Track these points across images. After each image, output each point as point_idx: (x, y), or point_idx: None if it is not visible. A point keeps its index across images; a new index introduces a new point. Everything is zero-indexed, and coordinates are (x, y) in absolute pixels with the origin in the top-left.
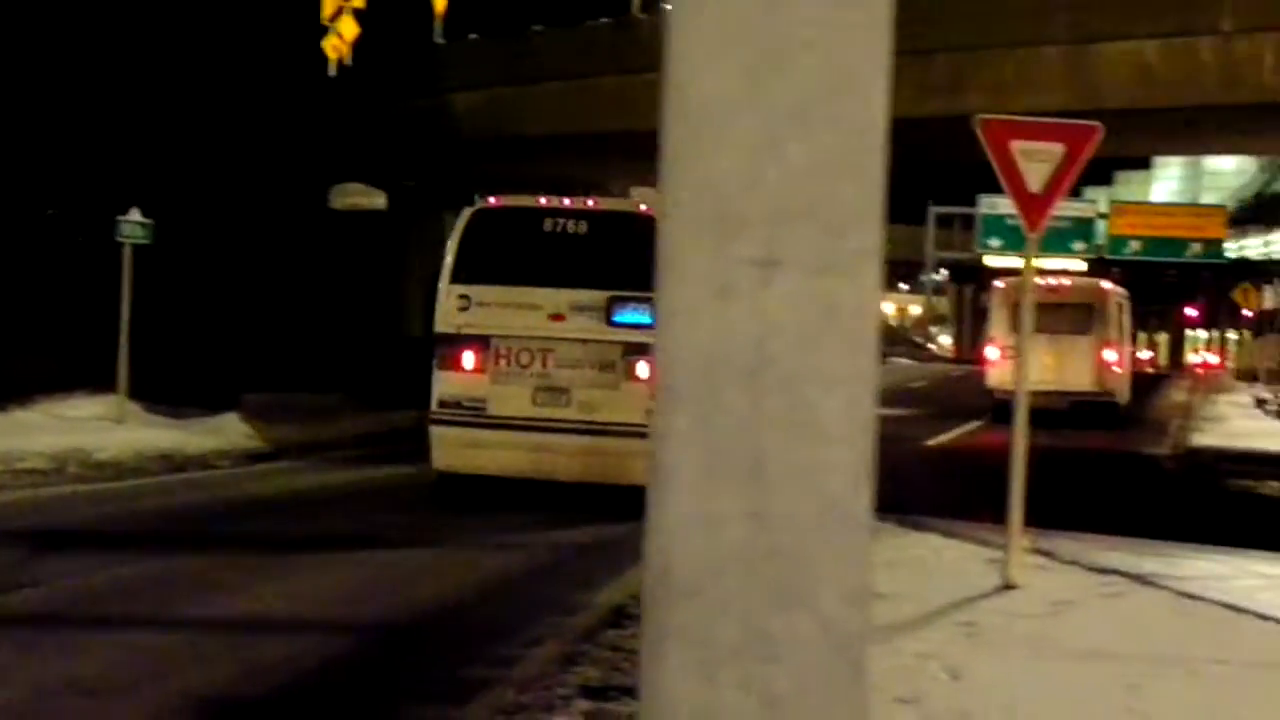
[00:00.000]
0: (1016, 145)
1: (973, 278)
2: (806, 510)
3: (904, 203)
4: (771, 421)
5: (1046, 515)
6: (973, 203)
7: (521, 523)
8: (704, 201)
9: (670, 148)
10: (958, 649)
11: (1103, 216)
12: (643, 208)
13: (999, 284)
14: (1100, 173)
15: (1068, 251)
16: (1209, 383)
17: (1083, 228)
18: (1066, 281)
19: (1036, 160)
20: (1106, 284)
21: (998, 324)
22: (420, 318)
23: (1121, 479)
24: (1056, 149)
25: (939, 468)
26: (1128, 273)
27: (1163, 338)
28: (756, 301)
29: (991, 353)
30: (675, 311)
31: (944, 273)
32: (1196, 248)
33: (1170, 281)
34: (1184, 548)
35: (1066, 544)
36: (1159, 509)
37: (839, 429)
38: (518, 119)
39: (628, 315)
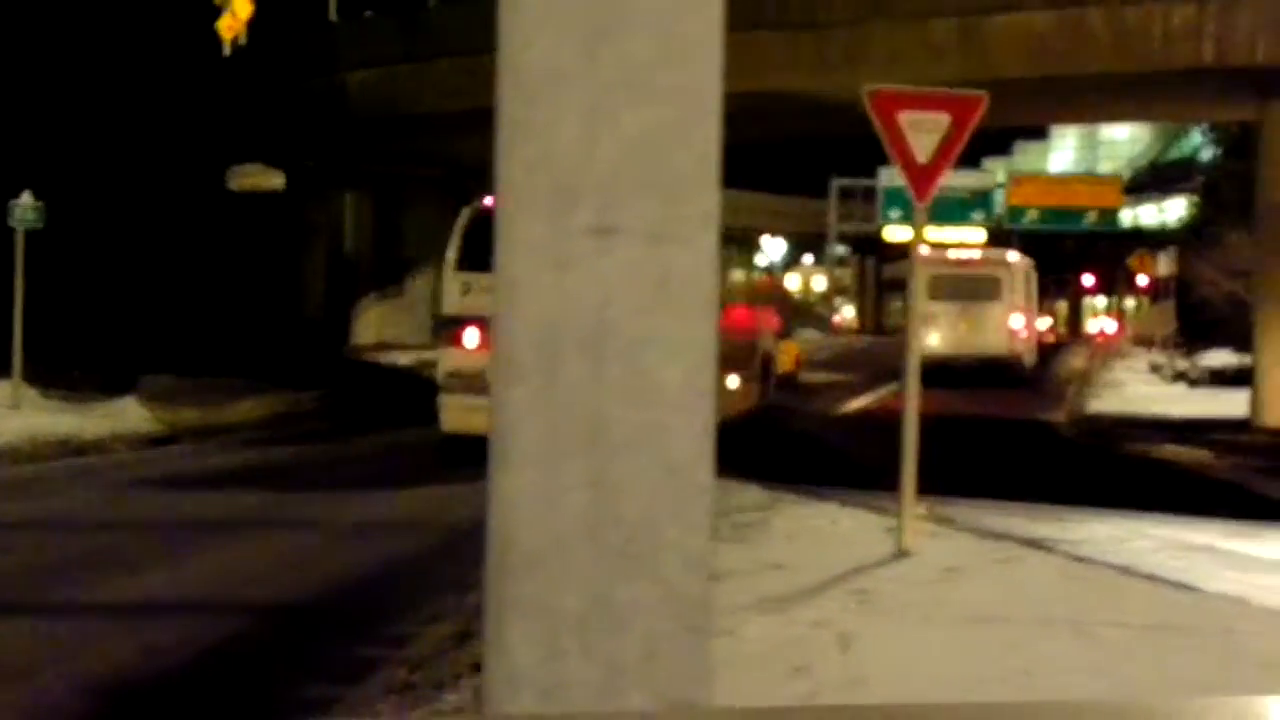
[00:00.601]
0: (904, 116)
1: (874, 250)
2: (648, 477)
3: (806, 176)
4: (612, 390)
5: (945, 482)
6: (874, 175)
7: (450, 497)
8: (540, 172)
9: (505, 120)
10: (850, 617)
11: (1001, 187)
12: None
13: (921, 255)
14: (999, 143)
15: (966, 221)
16: (1107, 350)
17: (981, 198)
18: (977, 254)
19: (924, 131)
20: (1014, 255)
21: (919, 291)
22: (320, 298)
23: (1020, 445)
24: (943, 119)
25: (846, 435)
26: (1027, 242)
27: (1062, 306)
28: (595, 270)
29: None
30: (514, 282)
31: (842, 248)
32: (1093, 217)
33: (1068, 251)
34: (1078, 512)
35: (963, 510)
36: (1055, 474)
37: (679, 396)
38: (415, 96)
39: None
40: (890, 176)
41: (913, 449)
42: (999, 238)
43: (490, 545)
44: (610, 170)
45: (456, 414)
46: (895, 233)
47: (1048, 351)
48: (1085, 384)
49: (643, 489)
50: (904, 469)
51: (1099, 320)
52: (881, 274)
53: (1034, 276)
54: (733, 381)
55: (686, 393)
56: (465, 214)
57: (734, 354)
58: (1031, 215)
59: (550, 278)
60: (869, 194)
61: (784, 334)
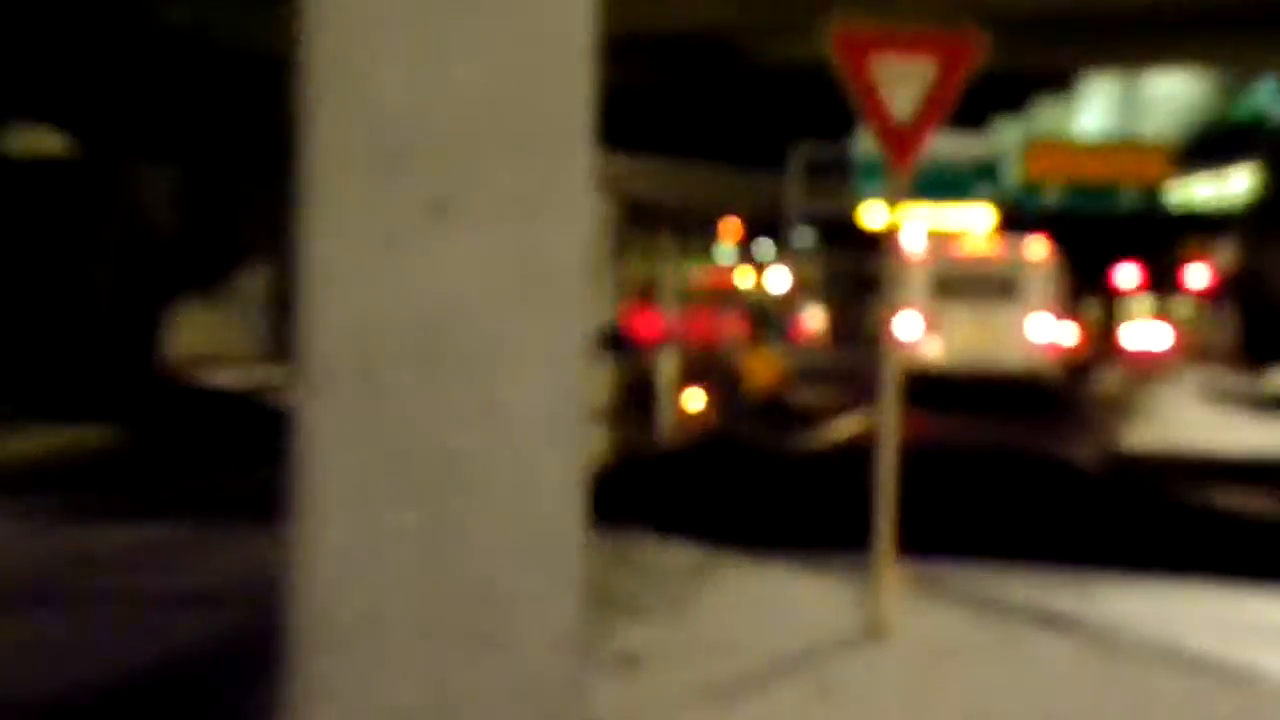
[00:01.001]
0: (876, 62)
1: (849, 237)
2: (500, 527)
3: (760, 145)
4: (452, 411)
5: (936, 536)
6: (848, 142)
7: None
8: (357, 127)
9: (315, 61)
10: (810, 714)
11: (1012, 155)
12: None
13: (918, 246)
14: (1011, 97)
15: (966, 197)
16: (1152, 366)
17: (986, 170)
18: (991, 244)
19: (902, 82)
20: (1038, 246)
21: (917, 290)
22: (114, 297)
23: (1036, 488)
24: (928, 66)
25: (825, 472)
26: (1047, 227)
27: (1093, 310)
28: (429, 255)
29: (909, 324)
30: (322, 268)
31: (808, 234)
32: (1133, 194)
33: (1100, 238)
34: (1108, 578)
35: (958, 575)
36: (1080, 528)
37: (542, 420)
38: (240, 32)
39: None
40: (866, 144)
41: (891, 494)
42: (1011, 220)
43: (292, 615)
44: (447, 127)
45: None
46: (874, 214)
47: (1076, 368)
48: (1122, 410)
49: (492, 542)
50: (879, 520)
51: (1141, 328)
52: (862, 268)
53: (1062, 272)
54: (693, 401)
55: (551, 416)
56: None
57: (694, 367)
58: (1053, 192)
59: (370, 263)
60: (841, 166)
61: (758, 342)
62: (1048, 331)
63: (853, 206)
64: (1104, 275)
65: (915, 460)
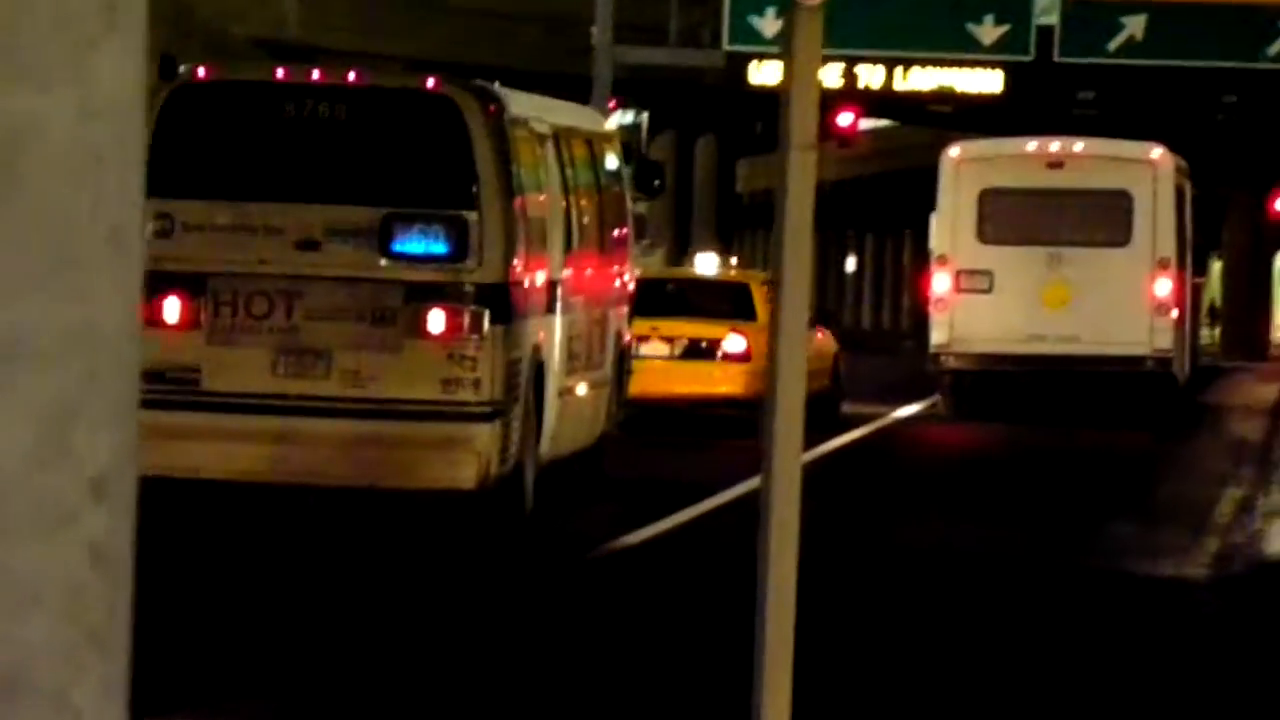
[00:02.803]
0: None
1: (721, 118)
2: None
3: None
4: None
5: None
6: None
7: None
8: None
9: None
10: None
11: None
12: (429, 82)
13: (953, 151)
14: None
15: (961, 45)
16: None
17: None
18: (1079, 145)
19: None
20: (1156, 149)
21: (951, 228)
22: None
23: (1103, 611)
24: None
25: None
26: (1107, 107)
27: (1213, 271)
28: None
29: (940, 283)
30: None
31: (632, 114)
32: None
33: (1220, 126)
34: None
35: None
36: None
37: (35, 501)
38: None
39: (412, 243)
40: None
41: (783, 640)
42: (1040, 85)
43: None
44: None
45: (150, 445)
46: (766, 72)
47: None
48: (1267, 473)
49: None
50: (757, 691)
51: None
52: (752, 188)
53: (1188, 193)
54: (580, 388)
55: (56, 458)
56: (160, 96)
57: (580, 338)
58: (1125, 31)
59: None
60: None
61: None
62: (1172, 292)
63: (719, 52)
64: (1237, 204)
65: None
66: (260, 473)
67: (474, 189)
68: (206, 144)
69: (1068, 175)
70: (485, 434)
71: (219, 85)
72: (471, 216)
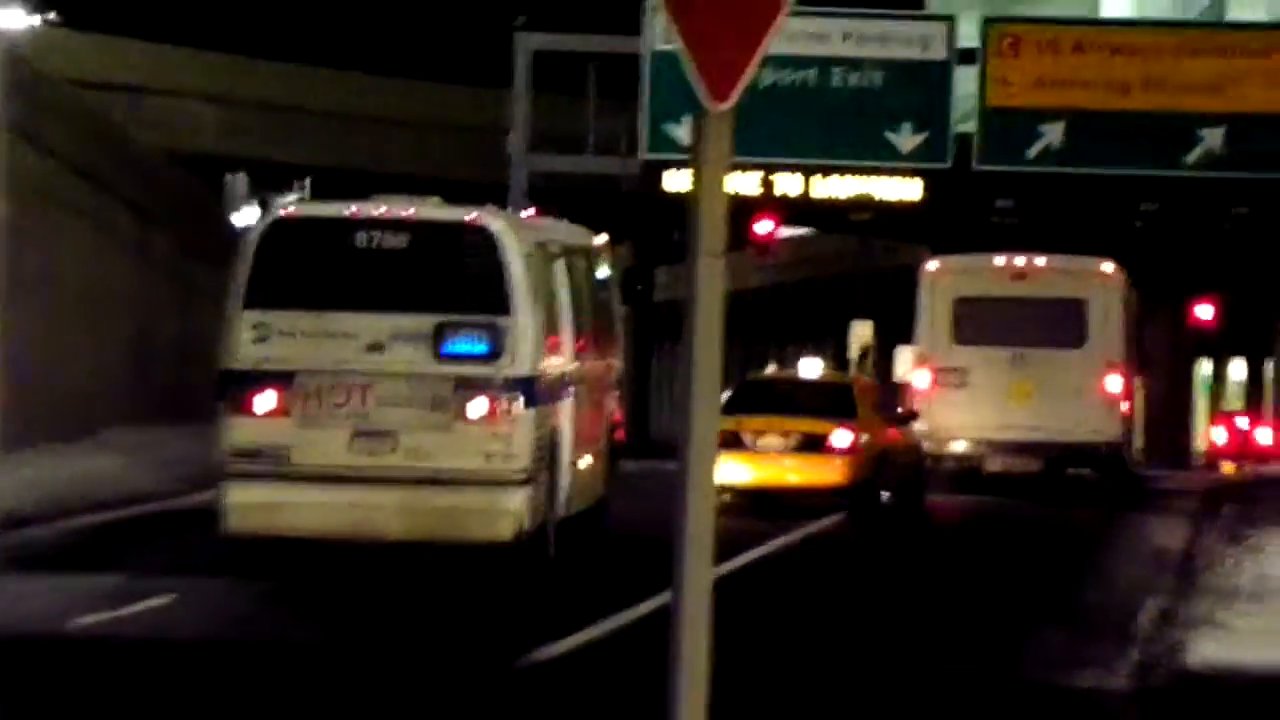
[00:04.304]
0: None
1: (637, 227)
2: None
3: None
4: None
5: None
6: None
7: None
8: None
9: None
10: None
11: (968, 59)
12: (470, 215)
13: (931, 265)
14: None
15: (879, 153)
16: (1248, 488)
17: (917, 92)
18: (1040, 260)
19: None
20: (1107, 264)
21: (932, 329)
22: None
23: None
24: None
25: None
26: (1026, 215)
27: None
28: None
29: (919, 378)
30: None
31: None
32: (1212, 140)
33: (1139, 233)
34: None
35: None
36: None
37: None
38: None
39: (460, 344)
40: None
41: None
42: (959, 192)
43: None
44: None
45: (249, 510)
46: (677, 180)
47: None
48: (1188, 584)
49: None
50: None
51: (1239, 421)
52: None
53: (1134, 302)
54: (584, 460)
55: None
56: (258, 228)
57: (585, 418)
58: (1046, 137)
59: None
60: (615, 79)
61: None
62: (1122, 387)
63: (636, 161)
64: (1170, 314)
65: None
66: (340, 531)
67: (507, 300)
68: (295, 267)
69: (1030, 285)
70: (520, 497)
71: (304, 220)
72: (506, 322)
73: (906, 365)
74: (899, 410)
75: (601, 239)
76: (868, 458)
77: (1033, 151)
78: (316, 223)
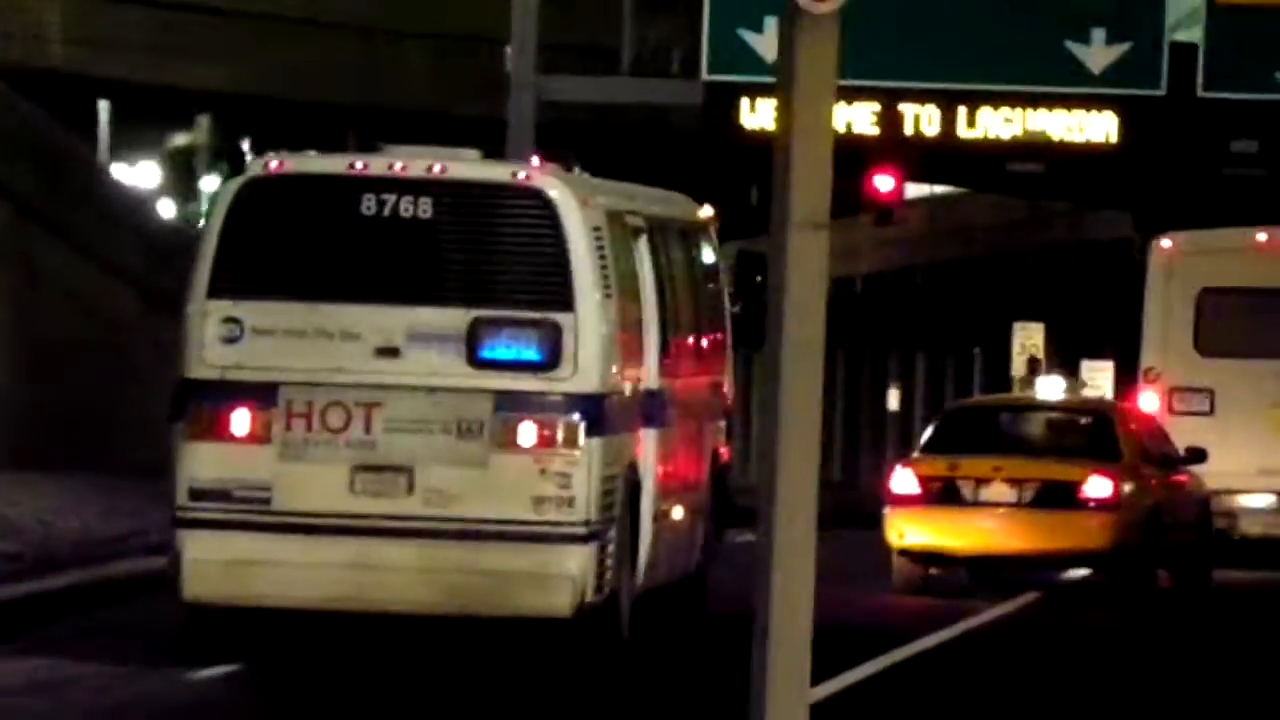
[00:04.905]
0: None
1: (697, 183)
2: None
3: None
4: None
5: None
6: None
7: None
8: None
9: None
10: None
11: None
12: (520, 175)
13: (1164, 243)
14: None
15: (1057, 74)
16: None
17: None
18: None
19: None
20: None
21: (1164, 333)
22: None
23: None
24: None
25: None
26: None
27: None
28: None
29: (1145, 401)
30: None
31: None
32: None
33: None
34: None
35: None
36: None
37: None
38: None
39: (501, 348)
40: None
41: None
42: (1177, 131)
43: None
44: None
45: (214, 571)
46: (757, 114)
47: None
48: None
49: None
50: None
51: None
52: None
53: None
54: (676, 511)
55: None
56: (229, 191)
57: (678, 455)
58: None
59: None
60: None
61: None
62: None
63: (703, 80)
64: None
65: None
66: (337, 600)
67: (568, 290)
68: (278, 242)
69: None
70: (580, 557)
71: (291, 178)
72: (566, 320)
73: (1109, 385)
74: (1175, 447)
75: (707, 211)
76: (1136, 515)
77: None
78: (307, 182)
